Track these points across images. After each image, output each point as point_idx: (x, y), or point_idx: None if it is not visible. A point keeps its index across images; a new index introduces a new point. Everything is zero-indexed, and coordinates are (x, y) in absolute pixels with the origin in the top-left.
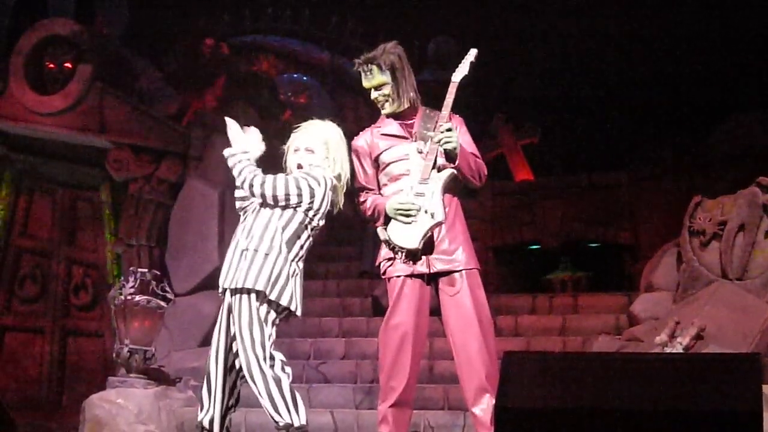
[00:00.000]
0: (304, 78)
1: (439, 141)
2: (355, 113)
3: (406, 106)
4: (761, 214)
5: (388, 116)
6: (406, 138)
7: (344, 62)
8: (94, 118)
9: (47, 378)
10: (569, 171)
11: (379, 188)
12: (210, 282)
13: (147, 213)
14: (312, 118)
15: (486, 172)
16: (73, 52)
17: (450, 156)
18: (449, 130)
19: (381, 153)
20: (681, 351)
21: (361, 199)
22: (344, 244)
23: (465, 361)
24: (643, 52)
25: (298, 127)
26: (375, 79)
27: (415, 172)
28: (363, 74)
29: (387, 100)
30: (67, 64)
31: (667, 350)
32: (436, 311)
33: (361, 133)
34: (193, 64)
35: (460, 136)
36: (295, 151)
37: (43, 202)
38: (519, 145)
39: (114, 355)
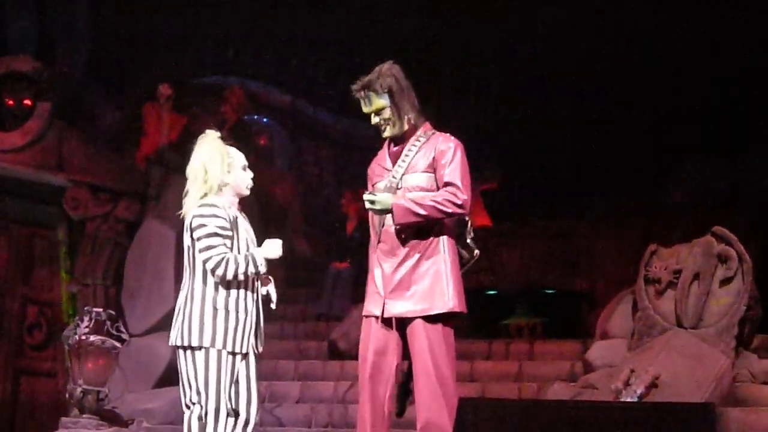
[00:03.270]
0: (265, 120)
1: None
2: (315, 155)
3: (406, 128)
4: (716, 264)
5: (390, 140)
6: (387, 170)
7: (305, 104)
8: (52, 155)
9: None
10: (527, 217)
11: None
12: (165, 323)
13: (103, 252)
14: (276, 160)
15: (460, 201)
16: (32, 89)
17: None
18: (368, 200)
19: (375, 183)
20: (636, 399)
21: None
22: (301, 285)
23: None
24: (598, 98)
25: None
26: (374, 104)
27: None
28: (361, 100)
29: (388, 124)
30: (27, 101)
31: (622, 398)
32: None
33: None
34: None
35: (399, 205)
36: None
37: None
38: (478, 190)
39: (67, 395)
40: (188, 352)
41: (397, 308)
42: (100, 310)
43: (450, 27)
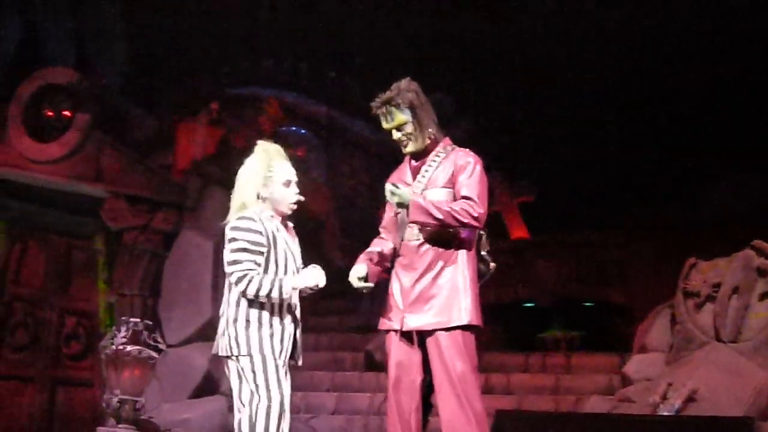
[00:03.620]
0: (302, 131)
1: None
2: (350, 166)
3: (427, 142)
4: (755, 278)
5: (411, 156)
6: (408, 184)
7: (340, 115)
8: (90, 166)
9: (36, 428)
10: (564, 229)
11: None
12: (203, 333)
13: (141, 262)
14: (312, 171)
15: (476, 214)
16: (71, 101)
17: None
18: (388, 191)
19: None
20: (673, 413)
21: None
22: (337, 297)
23: (443, 423)
24: (641, 110)
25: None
26: (396, 120)
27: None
28: (381, 117)
29: (410, 139)
30: (66, 113)
31: (660, 412)
32: None
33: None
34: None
35: (418, 203)
36: (288, 184)
37: (37, 250)
38: (515, 203)
39: (104, 405)
40: (230, 361)
41: (415, 321)
42: (137, 320)
43: (494, 39)
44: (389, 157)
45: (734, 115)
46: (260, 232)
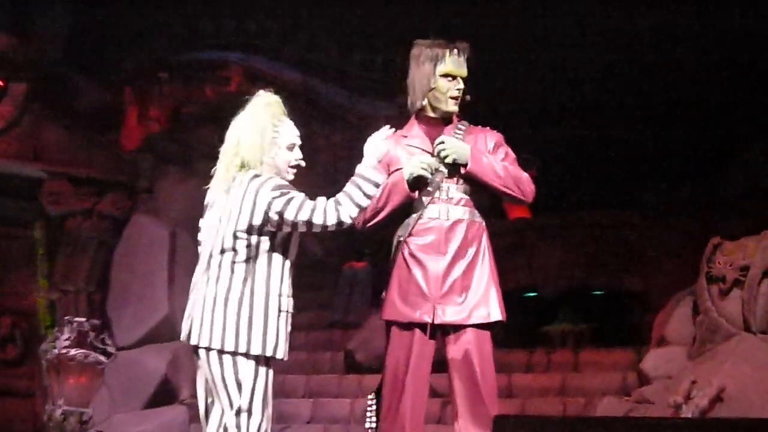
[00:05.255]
0: None
1: (439, 154)
2: (327, 140)
3: (457, 110)
4: None
5: (423, 120)
6: (432, 154)
7: (317, 83)
8: (28, 144)
9: None
10: (571, 208)
11: None
12: (158, 334)
13: (86, 253)
14: None
15: (533, 188)
16: (6, 69)
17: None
18: (441, 142)
19: (399, 168)
20: (698, 414)
21: None
22: (311, 289)
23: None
24: (657, 76)
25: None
26: (465, 69)
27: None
28: (455, 57)
29: (459, 99)
30: None
31: (683, 414)
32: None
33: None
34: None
35: (480, 150)
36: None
37: None
38: None
39: (45, 417)
40: (224, 356)
41: (451, 314)
42: (83, 320)
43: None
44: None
45: (760, 81)
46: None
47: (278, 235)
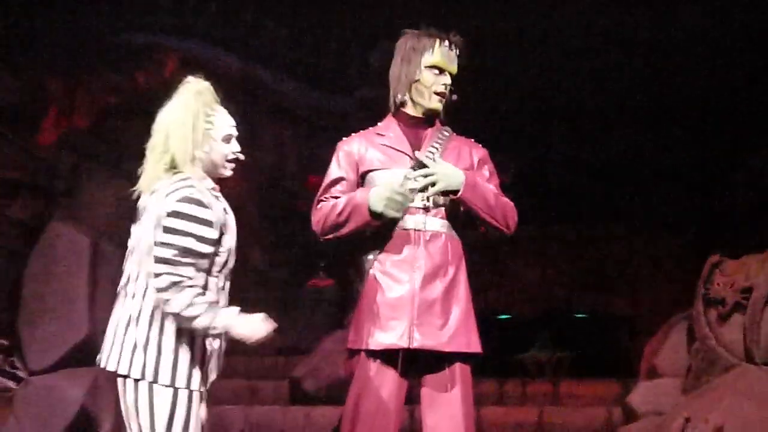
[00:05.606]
0: None
1: (423, 189)
2: (274, 138)
3: (440, 108)
4: None
5: (402, 118)
6: (410, 157)
7: (261, 72)
8: None
9: None
10: (550, 220)
11: None
12: (76, 357)
13: None
14: None
15: (516, 219)
16: None
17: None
18: (429, 172)
19: (371, 171)
20: None
21: (319, 206)
22: (254, 307)
23: None
24: (650, 78)
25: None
26: (455, 65)
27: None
28: (449, 49)
29: (445, 96)
30: None
31: None
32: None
33: (353, 135)
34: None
35: (473, 175)
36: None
37: None
38: None
39: None
40: (141, 383)
41: (429, 339)
42: None
43: None
44: (324, 125)
45: (762, 84)
46: (211, 223)
47: None
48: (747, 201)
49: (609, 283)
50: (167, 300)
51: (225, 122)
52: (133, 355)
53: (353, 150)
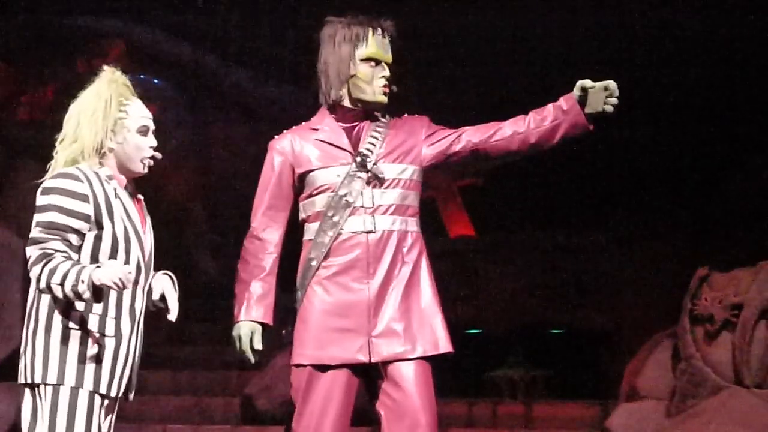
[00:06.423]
0: (155, 81)
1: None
2: (225, 133)
3: (386, 101)
4: None
5: (339, 113)
6: (350, 153)
7: (213, 60)
8: None
9: None
10: (524, 227)
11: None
12: (10, 368)
13: None
14: (170, 139)
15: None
16: None
17: None
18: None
19: (311, 171)
20: None
21: (246, 243)
22: (203, 318)
23: None
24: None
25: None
26: (390, 54)
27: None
28: (381, 37)
29: (390, 88)
30: None
31: None
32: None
33: (285, 132)
34: None
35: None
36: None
37: None
38: (456, 187)
39: None
40: (27, 391)
41: (390, 349)
42: None
43: None
44: (280, 119)
45: (754, 88)
46: (85, 197)
47: (86, 243)
48: (737, 209)
49: (588, 296)
50: (37, 278)
51: (141, 113)
52: (21, 359)
53: (286, 149)
